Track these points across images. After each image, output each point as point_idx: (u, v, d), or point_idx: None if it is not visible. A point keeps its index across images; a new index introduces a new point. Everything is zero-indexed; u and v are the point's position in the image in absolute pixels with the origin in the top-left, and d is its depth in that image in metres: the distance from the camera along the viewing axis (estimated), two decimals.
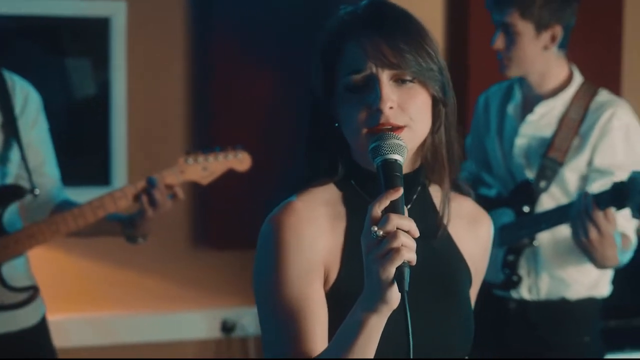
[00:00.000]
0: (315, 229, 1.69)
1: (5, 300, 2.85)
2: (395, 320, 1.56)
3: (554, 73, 3.03)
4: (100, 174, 4.14)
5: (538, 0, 2.90)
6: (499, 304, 3.06)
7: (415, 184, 1.77)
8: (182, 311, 4.27)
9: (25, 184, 2.88)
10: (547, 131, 3.02)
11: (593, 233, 2.69)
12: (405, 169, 1.71)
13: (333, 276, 1.69)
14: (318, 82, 1.76)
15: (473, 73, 4.14)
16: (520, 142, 3.05)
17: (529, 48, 2.94)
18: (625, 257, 2.87)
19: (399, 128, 1.67)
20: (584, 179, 2.96)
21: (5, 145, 2.87)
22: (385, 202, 1.55)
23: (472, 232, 1.85)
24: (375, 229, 1.52)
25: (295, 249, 1.67)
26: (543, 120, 3.03)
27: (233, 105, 4.11)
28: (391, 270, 1.50)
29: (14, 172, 2.89)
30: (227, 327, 4.27)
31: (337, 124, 1.74)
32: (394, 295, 1.52)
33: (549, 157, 2.97)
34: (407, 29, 1.71)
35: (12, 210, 2.90)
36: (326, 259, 1.69)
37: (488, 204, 3.09)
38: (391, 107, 1.67)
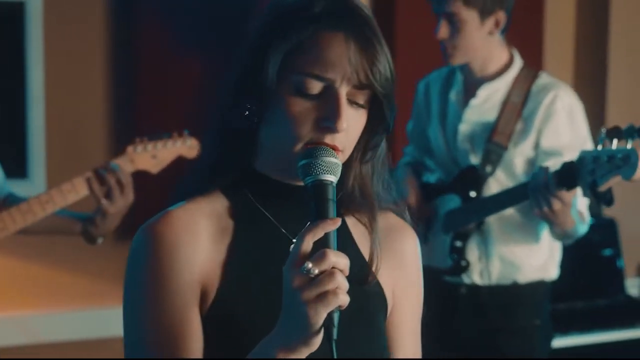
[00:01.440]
0: (194, 244, 1.47)
1: None
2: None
3: (495, 57, 3.03)
4: (16, 166, 3.96)
5: None
6: (449, 290, 3.04)
7: (339, 210, 1.48)
8: (107, 308, 4.13)
9: None
10: (490, 115, 3.01)
11: (556, 205, 2.67)
12: None
13: (212, 295, 1.47)
14: (251, 66, 1.48)
15: (400, 60, 4.12)
16: (464, 128, 3.04)
17: (474, 35, 2.93)
18: (583, 228, 2.88)
19: (336, 150, 1.45)
20: (531, 162, 2.97)
21: None
22: (320, 234, 1.35)
23: (392, 250, 1.61)
24: (310, 265, 1.32)
25: (171, 267, 1.45)
26: (486, 104, 3.03)
27: (157, 93, 3.99)
28: (323, 315, 1.32)
29: None
30: None
31: (256, 120, 1.49)
32: (318, 340, 1.35)
33: (494, 141, 2.97)
34: (381, 40, 1.47)
35: None
36: (205, 278, 1.47)
37: (433, 191, 3.11)
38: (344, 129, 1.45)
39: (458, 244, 3.00)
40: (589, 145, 2.97)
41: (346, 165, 1.51)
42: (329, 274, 1.32)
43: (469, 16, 2.90)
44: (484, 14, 2.90)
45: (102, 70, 4.02)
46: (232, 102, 1.50)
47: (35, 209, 2.69)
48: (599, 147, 2.52)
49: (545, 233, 2.98)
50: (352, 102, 1.46)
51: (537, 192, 2.67)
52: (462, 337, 3.04)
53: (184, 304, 1.45)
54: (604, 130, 2.51)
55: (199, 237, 1.48)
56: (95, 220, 2.76)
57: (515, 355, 3.02)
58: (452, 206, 3.03)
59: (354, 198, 1.55)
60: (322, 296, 1.32)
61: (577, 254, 3.08)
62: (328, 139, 1.44)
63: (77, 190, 2.72)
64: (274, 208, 1.50)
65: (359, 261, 1.55)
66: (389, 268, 1.59)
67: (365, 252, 1.57)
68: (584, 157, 2.60)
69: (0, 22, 3.93)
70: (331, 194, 1.41)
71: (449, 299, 3.04)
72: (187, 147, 2.88)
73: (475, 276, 3.02)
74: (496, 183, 2.98)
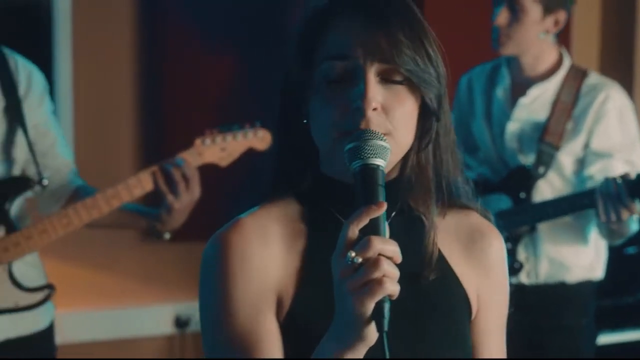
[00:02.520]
0: (266, 251, 1.44)
1: (19, 301, 2.65)
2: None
3: (545, 56, 3.02)
4: None
5: None
6: None
7: (393, 200, 1.42)
8: (133, 307, 4.10)
9: (34, 170, 2.66)
10: (540, 115, 3.00)
11: (625, 215, 2.69)
12: None
13: (288, 301, 1.43)
14: (293, 64, 1.47)
15: None
16: (513, 126, 3.02)
17: (532, 28, 2.91)
18: (636, 227, 2.88)
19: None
20: (580, 162, 2.96)
21: (10, 130, 2.64)
22: (365, 220, 1.29)
23: (474, 252, 1.53)
24: (353, 254, 1.26)
25: (243, 275, 1.42)
26: (535, 103, 3.01)
27: (186, 92, 3.94)
28: (370, 306, 1.26)
29: (22, 158, 2.67)
30: (180, 322, 4.12)
31: (305, 121, 1.46)
32: (372, 332, 1.28)
33: (546, 141, 2.95)
34: (409, 23, 1.43)
35: (19, 203, 2.69)
36: (280, 284, 1.44)
37: (481, 189, 3.09)
38: (375, 109, 1.39)
39: (509, 245, 2.98)
40: (639, 147, 2.97)
41: (405, 155, 1.46)
42: (373, 262, 1.26)
43: (533, 8, 2.88)
44: (547, 10, 2.89)
45: (130, 68, 3.97)
46: (283, 108, 1.50)
47: (100, 204, 2.64)
48: None
49: (592, 233, 2.97)
50: (385, 79, 1.41)
51: (608, 202, 2.66)
52: (508, 336, 3.02)
53: (257, 312, 1.42)
54: None
55: (271, 244, 1.45)
56: (162, 216, 2.70)
57: (562, 355, 3.03)
58: (500, 206, 3.01)
59: (414, 189, 1.49)
60: (367, 286, 1.26)
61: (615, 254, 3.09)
62: (363, 124, 1.38)
63: (143, 185, 2.66)
64: (347, 211, 1.38)
65: (427, 255, 1.48)
66: (473, 271, 1.53)
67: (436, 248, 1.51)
68: None
69: (28, 20, 3.87)
70: (379, 178, 1.34)
71: None
72: (258, 138, 2.79)
73: (523, 276, 3.01)
74: (546, 184, 2.97)
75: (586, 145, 2.95)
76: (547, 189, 2.97)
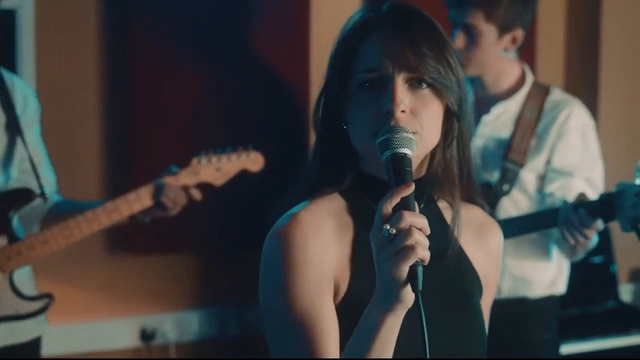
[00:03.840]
0: (322, 241, 1.63)
1: (19, 309, 2.77)
2: (411, 325, 1.53)
3: (507, 73, 3.03)
4: None
5: (503, 3, 2.87)
6: None
7: (421, 193, 1.69)
8: (98, 320, 4.06)
9: (28, 185, 2.80)
10: (503, 132, 3.01)
11: (581, 240, 2.71)
12: None
13: (343, 289, 1.64)
14: (331, 80, 1.70)
15: None
16: (477, 143, 3.04)
17: (490, 49, 2.92)
18: (596, 239, 2.88)
19: None
20: (542, 179, 2.97)
21: (11, 144, 2.78)
22: (397, 199, 1.51)
23: (483, 242, 1.81)
24: (388, 226, 1.48)
25: (303, 263, 1.61)
26: (499, 120, 3.03)
27: (152, 103, 3.90)
28: (404, 269, 1.47)
29: (15, 175, 2.81)
30: (146, 335, 4.09)
31: (344, 125, 1.68)
32: (408, 294, 1.49)
33: (510, 159, 2.97)
34: (431, 35, 1.66)
35: (19, 215, 2.81)
36: (335, 272, 1.64)
37: None
38: (403, 111, 1.62)
39: None
40: (599, 165, 2.98)
41: (432, 152, 1.68)
42: (406, 231, 1.47)
43: (488, 30, 2.89)
44: (503, 30, 2.90)
45: (96, 81, 3.93)
46: (324, 116, 1.71)
47: (101, 218, 2.80)
48: (638, 181, 2.52)
49: (555, 249, 2.98)
50: (413, 85, 1.63)
51: (571, 229, 2.68)
52: None
53: (318, 296, 1.60)
54: None
55: (326, 235, 1.64)
56: (142, 219, 2.91)
57: None
58: None
59: (438, 181, 1.71)
60: (401, 251, 1.47)
61: (571, 262, 3.09)
62: (393, 123, 1.60)
63: (142, 200, 2.83)
64: None
65: (450, 239, 1.71)
66: (483, 259, 1.78)
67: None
68: (623, 190, 2.59)
69: None
70: (407, 164, 1.56)
71: None
72: (250, 160, 3.00)
73: None
74: (510, 201, 2.98)
75: (548, 162, 2.97)
76: (510, 206, 2.98)
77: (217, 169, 2.94)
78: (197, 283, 4.12)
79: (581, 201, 2.70)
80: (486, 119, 3.02)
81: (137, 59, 3.81)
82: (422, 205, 1.69)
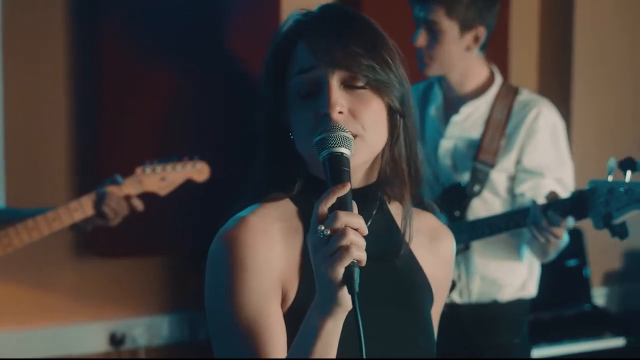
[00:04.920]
0: (271, 246, 1.58)
1: None
2: (354, 327, 1.48)
3: (474, 73, 3.01)
4: None
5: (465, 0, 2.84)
6: None
7: (373, 198, 1.67)
8: (65, 325, 4.01)
9: None
10: (473, 132, 2.99)
11: (552, 239, 2.69)
12: (361, 183, 1.64)
13: (292, 295, 1.59)
14: (269, 88, 1.66)
15: None
16: (446, 143, 3.01)
17: (452, 47, 2.91)
18: (567, 238, 2.86)
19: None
20: (512, 179, 2.95)
21: None
22: (332, 199, 1.48)
23: (434, 248, 1.76)
24: (322, 227, 1.45)
25: (250, 269, 1.56)
26: (468, 121, 3.01)
27: (122, 108, 3.85)
28: (339, 270, 1.44)
29: None
30: (116, 340, 4.04)
31: (291, 135, 1.64)
32: (346, 297, 1.45)
33: (480, 160, 2.95)
34: (364, 34, 1.62)
35: None
36: (283, 277, 1.59)
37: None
38: (340, 112, 1.57)
39: None
40: (569, 165, 2.97)
41: (380, 152, 1.64)
42: (340, 232, 1.44)
43: (449, 27, 2.88)
44: (464, 27, 2.89)
45: (64, 86, 3.87)
46: (266, 124, 1.67)
47: (41, 226, 2.76)
48: (610, 178, 2.50)
49: (526, 251, 2.96)
50: (349, 86, 1.59)
51: (540, 230, 2.66)
52: (440, 354, 2.99)
53: (266, 303, 1.55)
54: (614, 160, 2.49)
55: (275, 240, 1.59)
56: (84, 228, 2.88)
57: None
58: None
59: (389, 181, 1.66)
60: (336, 252, 1.43)
61: (543, 265, 3.08)
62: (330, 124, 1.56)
63: (84, 209, 2.80)
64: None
65: (400, 242, 1.67)
66: (435, 266, 1.74)
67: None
68: (595, 187, 2.58)
69: None
70: (342, 163, 1.52)
71: None
72: (196, 170, 2.98)
73: (455, 295, 2.99)
74: (481, 202, 2.96)
75: (518, 162, 2.95)
76: (481, 207, 2.96)
77: (161, 178, 2.92)
78: (167, 287, 4.07)
79: (552, 200, 2.68)
80: (455, 119, 3.00)
81: (106, 61, 3.76)
82: (374, 211, 1.67)
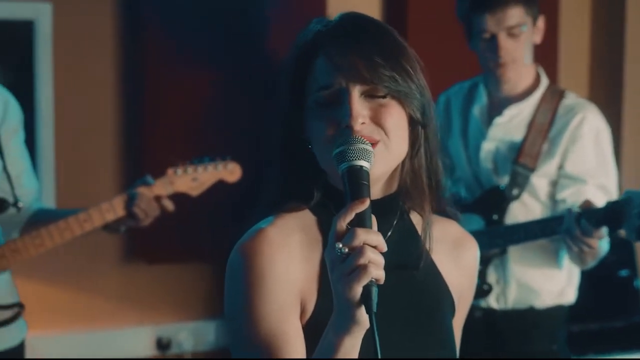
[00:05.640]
0: (289, 258, 1.55)
1: None
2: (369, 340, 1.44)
3: (524, 75, 2.96)
4: None
5: None
6: None
7: (394, 209, 1.64)
8: (114, 329, 4.06)
9: (6, 195, 2.74)
10: (516, 135, 2.95)
11: (586, 248, 2.66)
12: (381, 194, 1.62)
13: (310, 307, 1.56)
14: (287, 101, 1.63)
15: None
16: (488, 145, 2.98)
17: (528, 44, 2.88)
18: (606, 248, 2.80)
19: (372, 143, 1.54)
20: (554, 185, 2.91)
21: None
22: (351, 215, 1.44)
23: (457, 257, 1.72)
24: (340, 245, 1.41)
25: (269, 281, 1.53)
26: (511, 123, 2.97)
27: (166, 110, 3.91)
28: (357, 290, 1.40)
29: None
30: (162, 345, 4.07)
31: (310, 146, 1.60)
32: (364, 315, 1.42)
33: (520, 163, 2.90)
34: (384, 44, 1.59)
35: None
36: (302, 290, 1.56)
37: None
38: (363, 123, 1.55)
39: (479, 267, 2.92)
40: (613, 172, 2.92)
41: (400, 163, 1.61)
42: (358, 250, 1.40)
43: (529, 24, 2.85)
44: (535, 19, 2.88)
45: (111, 86, 3.94)
46: (284, 137, 1.64)
47: (73, 227, 2.76)
48: None
49: (565, 257, 2.91)
50: (370, 96, 1.56)
51: (572, 237, 2.63)
52: None
53: (284, 315, 1.53)
54: None
55: (293, 252, 1.56)
56: (116, 229, 2.88)
57: None
58: (472, 227, 2.92)
59: (409, 192, 1.63)
60: (354, 272, 1.40)
61: (592, 275, 3.04)
62: (353, 137, 1.52)
63: (115, 210, 2.80)
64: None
65: (421, 252, 1.64)
66: (457, 276, 1.70)
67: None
68: (631, 198, 2.53)
69: (10, 40, 3.85)
70: (361, 177, 1.48)
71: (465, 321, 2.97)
72: (227, 171, 2.97)
73: (492, 300, 2.95)
74: (521, 206, 2.92)
75: (560, 167, 2.90)
76: (521, 211, 2.91)
77: (193, 179, 2.92)
78: (213, 293, 4.10)
79: (586, 209, 2.63)
80: (498, 120, 2.96)
81: (152, 62, 3.82)
82: (395, 221, 1.64)
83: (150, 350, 4.09)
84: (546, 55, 3.96)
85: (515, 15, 2.83)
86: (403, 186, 1.63)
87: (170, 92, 3.86)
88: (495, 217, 2.91)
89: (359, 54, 1.55)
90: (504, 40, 2.84)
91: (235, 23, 3.89)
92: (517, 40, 2.85)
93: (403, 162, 1.62)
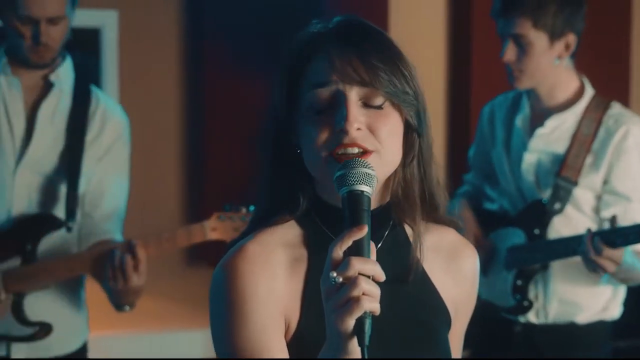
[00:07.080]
0: (272, 275, 1.52)
1: (13, 331, 2.66)
2: None
3: (564, 84, 2.89)
4: None
5: (551, 8, 2.75)
6: (504, 326, 2.92)
7: (386, 219, 1.59)
8: (179, 330, 4.13)
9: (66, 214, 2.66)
10: (558, 146, 2.88)
11: (610, 267, 2.60)
12: (374, 204, 1.54)
13: (294, 324, 1.53)
14: (280, 100, 1.58)
15: (475, 82, 4.01)
16: (530, 157, 2.91)
17: (543, 59, 2.80)
18: None
19: (365, 152, 1.50)
20: (599, 198, 2.82)
21: (59, 173, 2.66)
22: (348, 242, 1.40)
23: (453, 267, 1.66)
24: (335, 274, 1.38)
25: (250, 300, 1.50)
26: (554, 134, 2.89)
27: (226, 113, 3.97)
28: (349, 322, 1.37)
29: (60, 203, 2.67)
30: None
31: (298, 150, 1.56)
32: (356, 347, 1.39)
33: (563, 176, 2.82)
34: (382, 48, 1.56)
35: (47, 242, 2.68)
36: (286, 307, 1.53)
37: (495, 221, 3.00)
38: (359, 129, 1.50)
39: (520, 282, 2.86)
40: None
41: (394, 172, 1.57)
42: (352, 281, 1.37)
43: (537, 38, 2.78)
44: (554, 36, 2.78)
45: (174, 91, 4.02)
46: (274, 139, 1.59)
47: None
48: None
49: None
50: (367, 104, 1.52)
51: (588, 261, 2.60)
52: None
53: (268, 335, 1.50)
54: None
55: (276, 269, 1.53)
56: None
57: None
58: (514, 241, 2.90)
59: (400, 203, 1.59)
60: (347, 303, 1.37)
61: (639, 289, 2.92)
62: (347, 140, 1.49)
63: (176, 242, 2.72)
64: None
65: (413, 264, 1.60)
66: (453, 286, 1.65)
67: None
68: None
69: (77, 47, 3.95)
70: (364, 203, 1.44)
71: (503, 336, 2.93)
72: None
73: (531, 315, 2.89)
74: (564, 220, 2.84)
75: (605, 182, 2.81)
76: (564, 225, 2.83)
77: (234, 228, 2.68)
78: None
79: (612, 227, 2.57)
80: (540, 132, 2.89)
81: (214, 69, 3.88)
82: (386, 232, 1.60)
83: (211, 352, 4.12)
84: (617, 70, 3.85)
85: (521, 25, 2.77)
86: (394, 196, 1.59)
87: (231, 97, 3.92)
88: (536, 231, 2.85)
89: (357, 55, 1.53)
90: (509, 48, 2.81)
91: (295, 21, 3.91)
92: (524, 51, 2.79)
93: (395, 172, 1.58)
